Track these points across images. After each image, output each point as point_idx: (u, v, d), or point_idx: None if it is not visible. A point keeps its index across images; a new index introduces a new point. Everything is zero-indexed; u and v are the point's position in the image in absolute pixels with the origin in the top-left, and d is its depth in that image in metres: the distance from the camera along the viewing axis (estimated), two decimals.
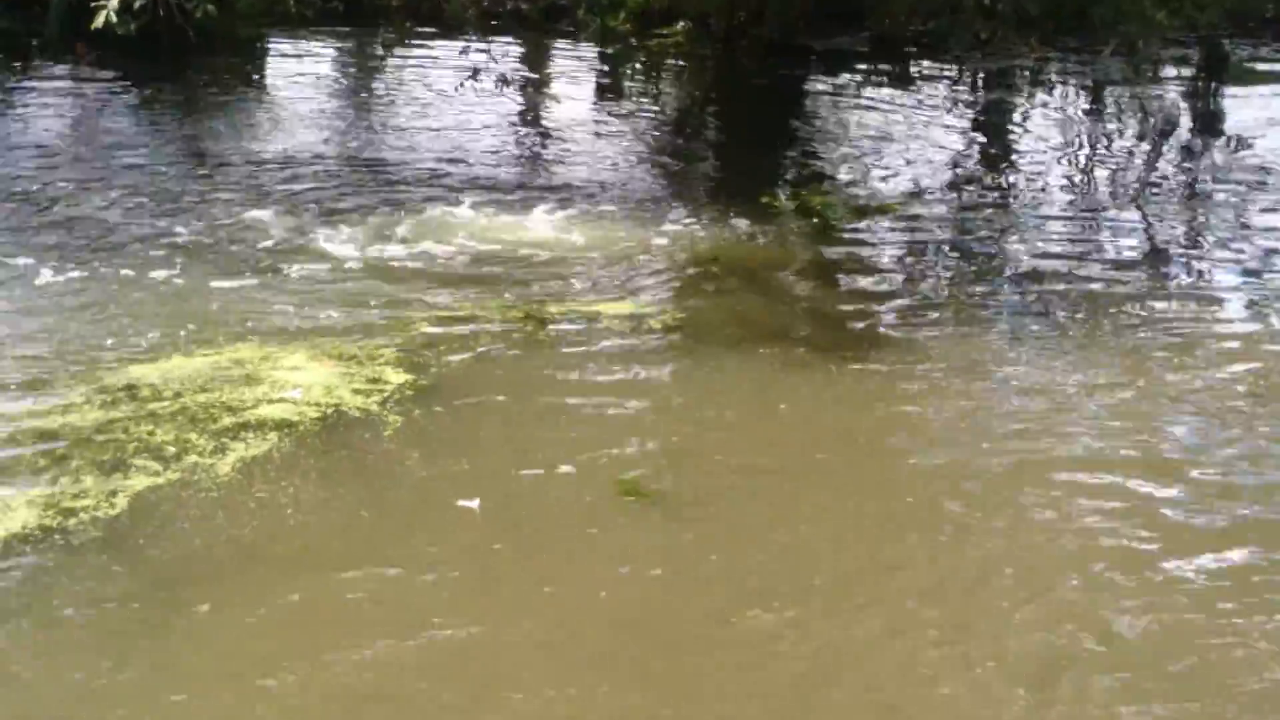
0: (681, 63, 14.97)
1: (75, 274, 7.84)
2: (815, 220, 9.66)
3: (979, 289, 8.41)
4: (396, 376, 6.52)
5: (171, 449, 5.73)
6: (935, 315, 7.87)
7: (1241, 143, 12.12)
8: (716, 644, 4.67)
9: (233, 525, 5.24)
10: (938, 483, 5.89)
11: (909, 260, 8.98)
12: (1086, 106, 13.95)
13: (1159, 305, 8.21)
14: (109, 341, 6.85)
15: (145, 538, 5.15)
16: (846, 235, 9.42)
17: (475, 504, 5.35)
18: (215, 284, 7.77)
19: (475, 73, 12.00)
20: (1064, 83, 14.64)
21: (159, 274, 7.90)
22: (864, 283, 8.49)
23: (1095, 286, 8.42)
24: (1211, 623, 4.85)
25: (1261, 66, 15.33)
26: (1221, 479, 5.91)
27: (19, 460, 5.62)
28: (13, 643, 4.55)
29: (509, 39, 14.82)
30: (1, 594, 4.79)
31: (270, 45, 14.88)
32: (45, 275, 7.79)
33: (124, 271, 7.90)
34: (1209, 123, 12.98)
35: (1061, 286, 8.40)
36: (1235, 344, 7.52)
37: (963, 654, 4.64)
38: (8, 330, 6.94)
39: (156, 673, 4.42)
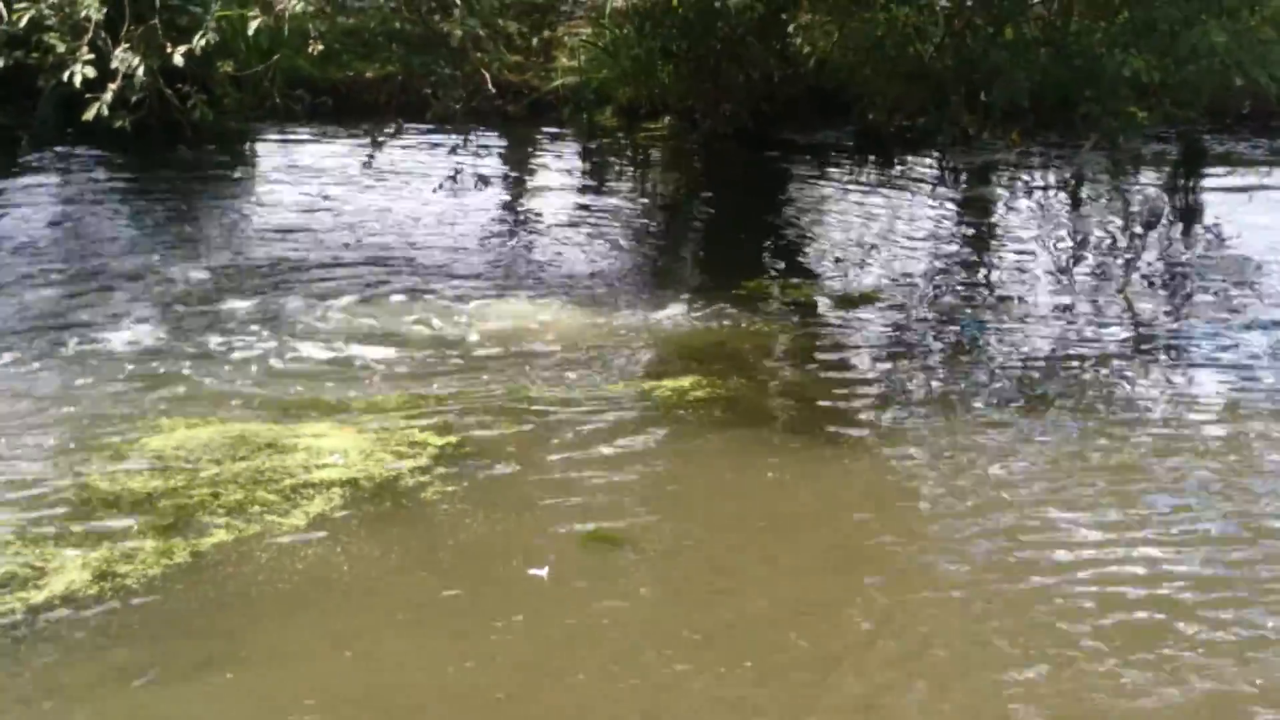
0: (667, 156, 15.29)
1: (66, 356, 8.23)
2: (798, 308, 9.91)
3: (959, 377, 8.70)
4: (430, 443, 7.01)
5: (243, 509, 6.20)
6: (915, 402, 8.20)
7: (1222, 233, 12.39)
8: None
9: (298, 579, 5.72)
10: (888, 559, 6.19)
11: (890, 347, 9.24)
12: (1069, 199, 14.30)
13: (1141, 396, 8.45)
14: (111, 417, 7.24)
15: (203, 591, 5.58)
16: (829, 322, 9.74)
17: (544, 572, 5.78)
18: (204, 362, 8.17)
19: (463, 168, 12.26)
20: (1046, 176, 15.02)
21: (152, 357, 8.28)
22: (845, 368, 8.78)
23: (1077, 376, 8.70)
24: None
25: (1238, 160, 15.68)
26: (1198, 577, 6.00)
27: (73, 522, 6.03)
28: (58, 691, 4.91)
29: (496, 135, 15.15)
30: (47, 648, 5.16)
31: (258, 140, 15.17)
32: (38, 357, 8.18)
33: (116, 351, 8.34)
34: (1190, 214, 13.30)
35: (1043, 376, 8.69)
36: (1217, 433, 7.73)
37: None
38: (15, 410, 7.34)
39: None
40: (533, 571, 5.80)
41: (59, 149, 14.09)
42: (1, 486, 6.36)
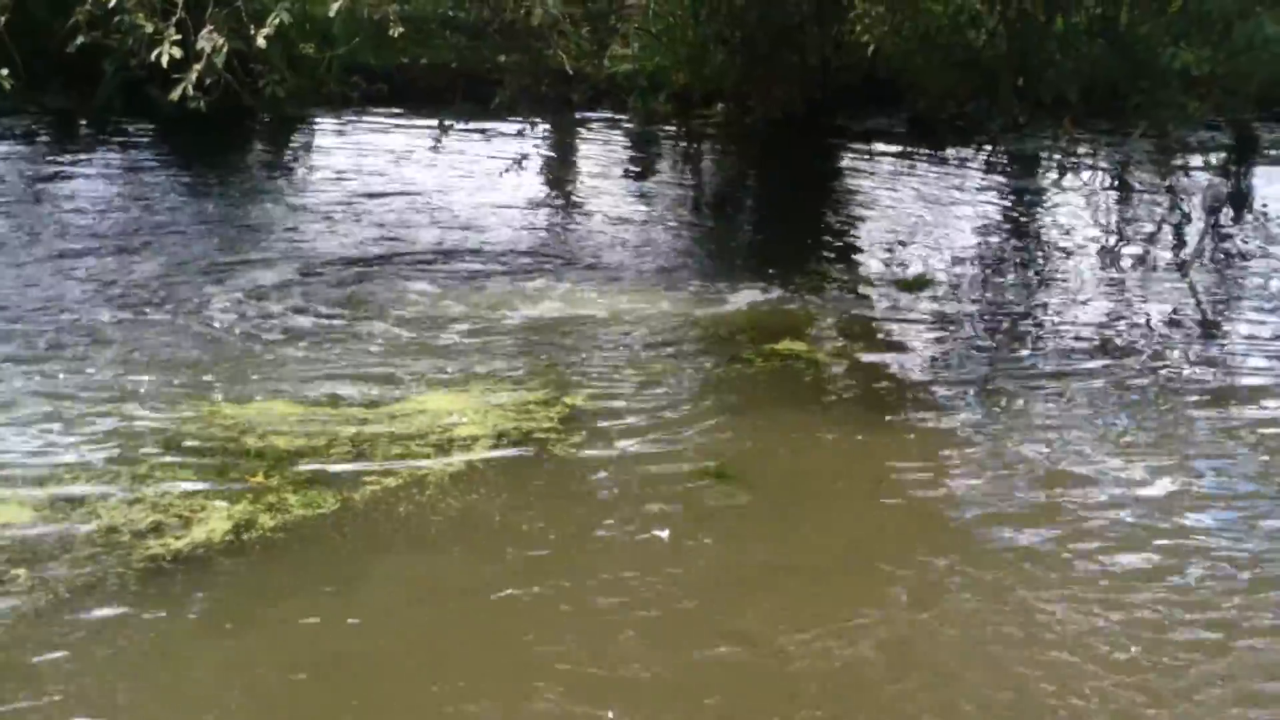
0: (721, 143, 15.61)
1: (151, 330, 8.57)
2: (854, 292, 10.22)
3: (1012, 360, 8.91)
4: (543, 403, 7.49)
5: (397, 458, 6.68)
6: (968, 384, 8.40)
7: (1275, 218, 12.67)
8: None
9: (448, 522, 6.19)
10: (945, 506, 6.63)
11: (943, 332, 9.46)
12: (1120, 186, 14.55)
13: (1197, 382, 8.57)
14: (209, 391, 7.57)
15: (346, 537, 6.00)
16: (885, 305, 9.99)
17: (665, 534, 6.18)
18: (289, 342, 8.52)
19: (528, 154, 12.59)
20: (1096, 163, 15.28)
21: (237, 336, 8.61)
22: (897, 352, 9.02)
23: (1131, 362, 8.85)
24: None
25: None
26: (1253, 576, 6.01)
27: (214, 478, 6.43)
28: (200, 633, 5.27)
29: (558, 121, 15.44)
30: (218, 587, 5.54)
31: (316, 126, 15.50)
32: (136, 335, 8.51)
33: (201, 328, 8.67)
34: (1242, 200, 13.55)
35: (1097, 362, 8.83)
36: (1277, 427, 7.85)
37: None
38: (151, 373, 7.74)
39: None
40: (655, 532, 6.16)
41: (119, 132, 14.46)
42: (144, 447, 6.75)
